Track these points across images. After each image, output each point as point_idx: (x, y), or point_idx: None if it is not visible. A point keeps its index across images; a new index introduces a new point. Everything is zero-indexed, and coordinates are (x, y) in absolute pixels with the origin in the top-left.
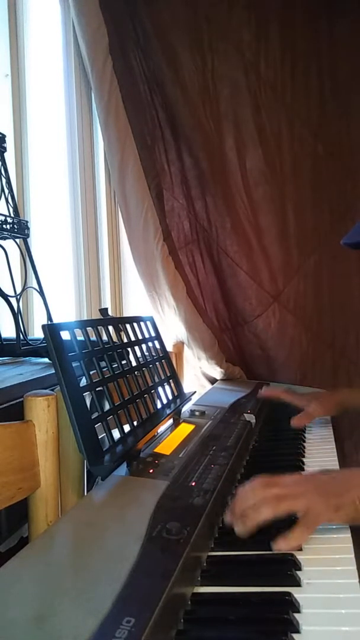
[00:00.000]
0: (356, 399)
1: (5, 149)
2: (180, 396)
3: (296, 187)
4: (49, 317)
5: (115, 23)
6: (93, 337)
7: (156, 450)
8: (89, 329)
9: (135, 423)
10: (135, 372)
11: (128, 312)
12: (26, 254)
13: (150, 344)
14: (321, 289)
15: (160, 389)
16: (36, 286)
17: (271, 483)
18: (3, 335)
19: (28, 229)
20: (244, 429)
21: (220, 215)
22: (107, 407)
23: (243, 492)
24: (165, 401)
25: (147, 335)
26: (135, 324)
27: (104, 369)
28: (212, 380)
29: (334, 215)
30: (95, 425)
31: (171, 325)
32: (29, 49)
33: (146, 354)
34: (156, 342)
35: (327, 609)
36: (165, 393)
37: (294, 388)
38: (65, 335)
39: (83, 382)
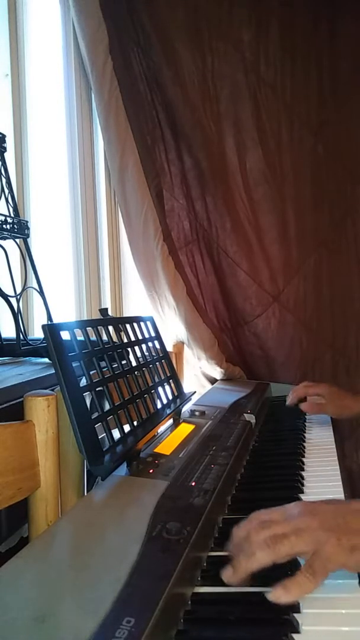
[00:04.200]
0: None
1: (5, 149)
2: (180, 396)
3: (296, 187)
4: (49, 317)
5: (115, 23)
6: (93, 337)
7: (156, 450)
8: (89, 329)
9: (135, 423)
10: (135, 372)
11: (128, 312)
12: (26, 254)
13: (150, 344)
14: (321, 289)
15: (160, 389)
16: (36, 286)
17: (267, 521)
18: (3, 335)
19: (28, 229)
20: (244, 429)
21: (220, 215)
22: (107, 407)
23: (236, 536)
24: (165, 401)
25: (147, 335)
26: (135, 324)
27: (104, 369)
28: (212, 380)
29: (334, 215)
30: (95, 425)
31: (171, 325)
32: (29, 49)
33: (146, 354)
34: (156, 342)
35: (327, 609)
36: (165, 393)
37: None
38: (65, 335)
39: (83, 382)
